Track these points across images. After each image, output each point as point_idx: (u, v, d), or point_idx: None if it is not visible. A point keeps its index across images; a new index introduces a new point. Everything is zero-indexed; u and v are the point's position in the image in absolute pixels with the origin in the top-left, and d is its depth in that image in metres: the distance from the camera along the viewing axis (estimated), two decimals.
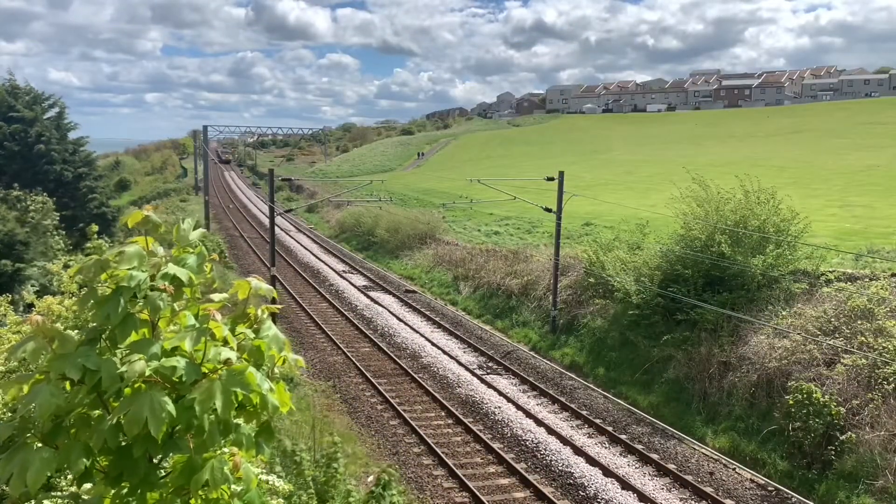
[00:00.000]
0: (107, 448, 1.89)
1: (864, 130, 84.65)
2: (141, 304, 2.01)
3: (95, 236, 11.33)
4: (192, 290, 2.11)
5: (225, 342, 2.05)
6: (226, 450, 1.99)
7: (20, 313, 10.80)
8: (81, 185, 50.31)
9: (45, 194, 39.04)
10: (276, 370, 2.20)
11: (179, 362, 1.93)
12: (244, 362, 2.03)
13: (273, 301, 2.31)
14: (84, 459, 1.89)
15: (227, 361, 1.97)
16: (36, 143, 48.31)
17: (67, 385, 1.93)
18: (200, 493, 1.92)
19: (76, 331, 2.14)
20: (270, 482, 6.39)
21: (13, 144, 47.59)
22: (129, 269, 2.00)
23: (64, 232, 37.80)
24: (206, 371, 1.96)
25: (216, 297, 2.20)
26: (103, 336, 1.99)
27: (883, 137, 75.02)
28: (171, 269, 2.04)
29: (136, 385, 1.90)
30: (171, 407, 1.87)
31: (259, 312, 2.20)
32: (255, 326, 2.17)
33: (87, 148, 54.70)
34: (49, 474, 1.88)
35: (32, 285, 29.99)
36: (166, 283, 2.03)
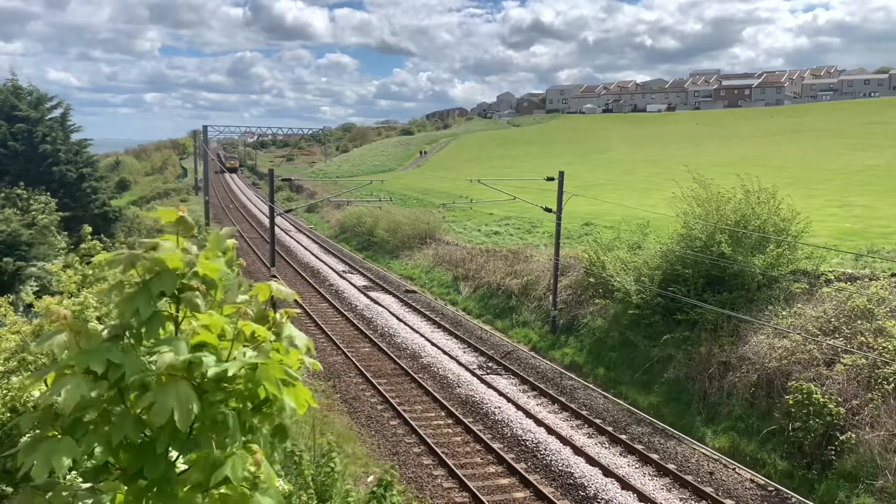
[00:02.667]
0: (127, 443, 1.91)
1: (864, 130, 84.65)
2: (168, 301, 2.03)
3: (89, 237, 11.33)
4: (218, 292, 2.13)
5: (252, 337, 2.08)
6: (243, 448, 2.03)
7: (20, 313, 10.81)
8: (84, 185, 50.32)
9: (48, 194, 39.05)
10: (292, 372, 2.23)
11: (208, 357, 1.96)
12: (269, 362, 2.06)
13: (294, 303, 2.37)
14: (105, 453, 1.92)
15: (255, 365, 2.01)
16: (41, 144, 48.28)
17: (91, 380, 1.96)
18: (222, 490, 1.94)
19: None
20: None
21: (17, 144, 47.59)
22: (165, 262, 2.02)
23: (66, 232, 37.81)
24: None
25: (238, 298, 2.22)
26: (127, 333, 2.01)
27: (883, 137, 75.01)
28: (204, 267, 2.06)
29: (162, 378, 1.93)
30: (196, 400, 1.89)
31: (278, 316, 2.22)
32: (274, 329, 2.19)
33: (89, 149, 54.71)
34: (72, 462, 1.91)
35: (32, 285, 30.01)
36: (199, 283, 2.05)
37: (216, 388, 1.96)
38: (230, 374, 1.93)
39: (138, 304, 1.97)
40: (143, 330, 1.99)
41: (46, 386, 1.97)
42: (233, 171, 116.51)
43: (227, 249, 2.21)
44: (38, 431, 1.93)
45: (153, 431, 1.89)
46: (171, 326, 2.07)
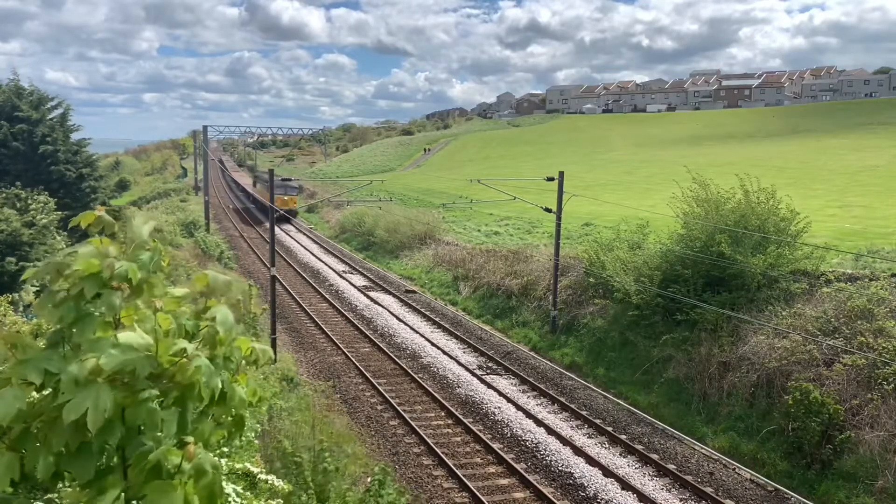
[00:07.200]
0: (69, 448, 1.91)
1: (864, 130, 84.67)
2: (98, 303, 2.03)
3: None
4: (149, 286, 2.12)
5: (170, 333, 2.08)
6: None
7: (20, 313, 10.83)
8: (83, 185, 50.39)
9: (47, 194, 39.06)
10: (243, 362, 2.23)
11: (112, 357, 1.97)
12: (202, 355, 2.06)
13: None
14: (51, 462, 1.90)
15: (182, 352, 1.99)
16: (41, 144, 48.33)
17: (34, 391, 1.95)
18: (157, 484, 1.95)
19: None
20: (270, 482, 6.39)
21: (18, 144, 47.65)
22: (82, 269, 2.03)
23: (66, 232, 37.81)
24: (166, 365, 1.99)
25: (177, 291, 2.21)
26: (65, 339, 2.01)
27: (883, 137, 75.05)
28: (124, 266, 2.07)
29: (80, 381, 1.92)
30: (110, 401, 1.88)
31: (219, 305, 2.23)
32: (215, 318, 2.20)
33: (89, 149, 54.76)
34: (14, 479, 1.89)
35: (32, 285, 29.99)
36: (122, 282, 2.05)
37: (147, 385, 1.95)
38: (110, 368, 1.92)
39: (62, 311, 1.98)
40: (74, 333, 1.99)
41: None
42: (291, 216, 60.39)
43: (145, 244, 2.18)
44: None
45: (92, 432, 1.88)
46: (109, 329, 2.06)
